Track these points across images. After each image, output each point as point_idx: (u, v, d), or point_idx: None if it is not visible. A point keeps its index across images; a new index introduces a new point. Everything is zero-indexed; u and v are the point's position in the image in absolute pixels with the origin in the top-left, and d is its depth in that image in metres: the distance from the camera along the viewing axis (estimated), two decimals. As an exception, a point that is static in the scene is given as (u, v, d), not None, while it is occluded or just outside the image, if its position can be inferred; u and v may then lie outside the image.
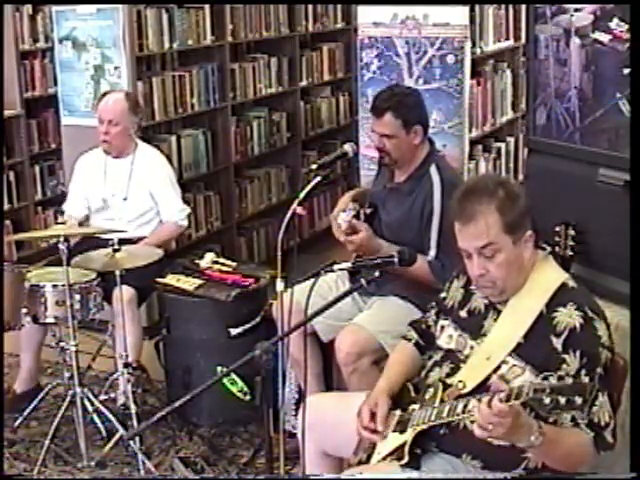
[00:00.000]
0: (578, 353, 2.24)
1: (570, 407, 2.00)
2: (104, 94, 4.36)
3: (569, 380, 2.03)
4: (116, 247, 3.59)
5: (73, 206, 4.40)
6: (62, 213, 4.44)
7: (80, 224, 4.26)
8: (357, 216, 3.47)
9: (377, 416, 2.49)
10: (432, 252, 3.36)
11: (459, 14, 4.08)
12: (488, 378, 2.33)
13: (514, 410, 2.04)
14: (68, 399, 3.61)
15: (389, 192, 3.57)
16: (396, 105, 3.40)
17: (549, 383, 2.03)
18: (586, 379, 2.20)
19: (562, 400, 1.97)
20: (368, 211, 3.52)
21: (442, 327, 2.59)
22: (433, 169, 3.44)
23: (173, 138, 5.23)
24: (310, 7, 6.33)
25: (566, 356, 2.25)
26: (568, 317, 2.28)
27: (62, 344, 3.75)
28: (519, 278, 2.38)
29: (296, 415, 3.41)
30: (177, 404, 2.34)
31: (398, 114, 3.39)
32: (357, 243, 3.36)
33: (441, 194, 3.37)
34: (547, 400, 1.98)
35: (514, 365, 2.31)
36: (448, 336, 2.54)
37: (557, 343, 2.26)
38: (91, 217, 4.37)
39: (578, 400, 1.97)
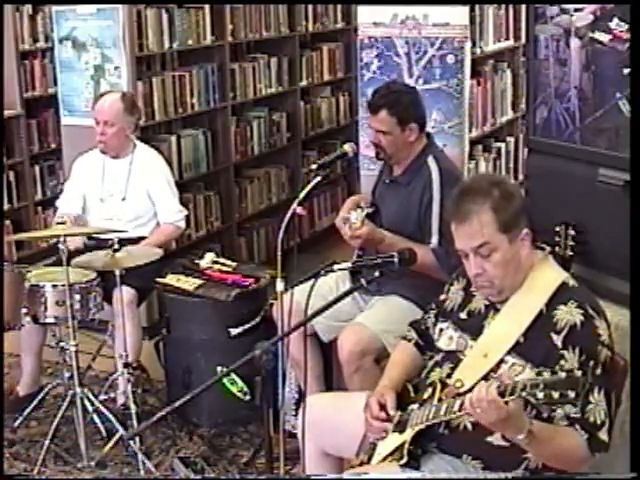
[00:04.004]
0: (577, 350, 2.25)
1: (563, 401, 2.00)
2: (100, 95, 4.36)
3: (562, 374, 2.04)
4: (116, 247, 3.59)
5: (67, 203, 4.38)
6: (56, 209, 4.44)
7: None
8: (368, 215, 3.47)
9: (387, 406, 2.49)
10: (434, 239, 3.36)
11: (459, 14, 4.08)
12: (486, 376, 2.33)
13: (505, 409, 2.05)
14: (68, 399, 3.60)
15: (388, 186, 3.59)
16: (392, 103, 3.41)
17: (543, 378, 2.04)
18: (579, 373, 2.20)
19: (555, 394, 1.98)
20: (370, 210, 3.53)
21: (441, 330, 2.59)
22: (431, 159, 3.46)
23: (173, 138, 5.22)
24: (310, 7, 6.32)
25: (565, 352, 2.25)
26: (569, 314, 2.28)
27: (62, 344, 3.75)
28: (517, 277, 2.38)
29: (296, 415, 3.41)
30: (177, 404, 2.34)
31: (393, 112, 3.40)
32: (363, 236, 3.35)
33: (440, 182, 3.38)
34: (540, 395, 1.99)
35: (514, 363, 2.31)
36: (448, 338, 2.54)
37: (557, 340, 2.27)
38: (90, 217, 4.37)
39: (571, 394, 1.97)
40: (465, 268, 2.43)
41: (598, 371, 2.25)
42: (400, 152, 3.46)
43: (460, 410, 2.26)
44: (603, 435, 2.24)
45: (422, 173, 3.44)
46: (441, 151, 3.66)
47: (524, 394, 2.02)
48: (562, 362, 2.24)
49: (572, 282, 2.39)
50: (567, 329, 2.27)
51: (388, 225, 3.46)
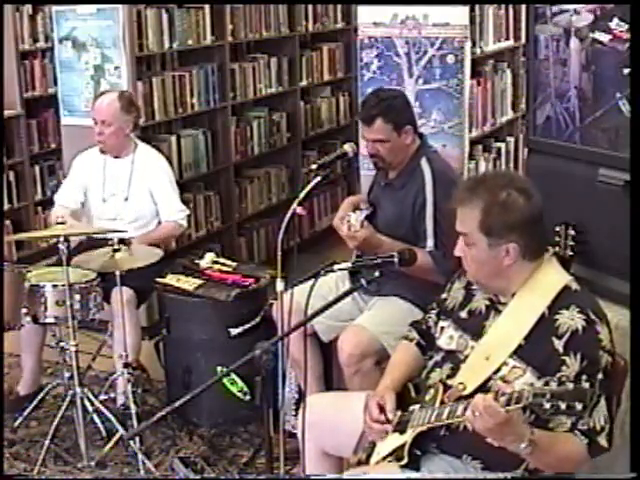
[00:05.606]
0: (579, 356, 2.24)
1: (570, 413, 2.00)
2: (99, 94, 4.36)
3: (570, 385, 2.03)
4: (116, 247, 3.59)
5: (65, 197, 4.38)
6: (52, 203, 4.43)
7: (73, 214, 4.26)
8: (367, 217, 3.48)
9: (386, 408, 2.49)
10: (430, 242, 3.37)
11: (459, 14, 4.08)
12: (488, 379, 2.33)
13: (502, 416, 2.05)
14: (68, 399, 3.60)
15: (383, 189, 3.60)
16: (385, 110, 3.41)
17: (550, 388, 2.03)
18: (587, 385, 2.20)
19: (562, 405, 1.97)
20: (369, 212, 3.53)
21: (442, 328, 2.59)
22: (424, 161, 3.46)
23: (173, 138, 5.22)
24: (310, 7, 6.32)
25: (566, 358, 2.24)
26: (570, 319, 2.28)
27: (62, 344, 3.75)
28: (495, 281, 2.40)
29: (296, 415, 3.41)
30: (177, 404, 2.34)
31: (388, 119, 3.40)
32: (360, 239, 3.36)
33: (433, 185, 3.39)
34: (547, 405, 1.98)
35: (514, 366, 2.31)
36: (449, 337, 2.54)
37: (558, 345, 2.26)
38: (91, 217, 4.36)
39: (578, 406, 1.97)
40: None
41: (599, 377, 2.24)
42: (397, 157, 3.47)
43: (464, 414, 2.25)
44: (602, 440, 2.23)
45: (415, 176, 3.44)
46: (435, 152, 3.66)
47: (530, 403, 2.01)
48: (563, 367, 2.24)
49: (575, 286, 2.38)
50: (569, 334, 2.26)
51: (383, 228, 3.47)
